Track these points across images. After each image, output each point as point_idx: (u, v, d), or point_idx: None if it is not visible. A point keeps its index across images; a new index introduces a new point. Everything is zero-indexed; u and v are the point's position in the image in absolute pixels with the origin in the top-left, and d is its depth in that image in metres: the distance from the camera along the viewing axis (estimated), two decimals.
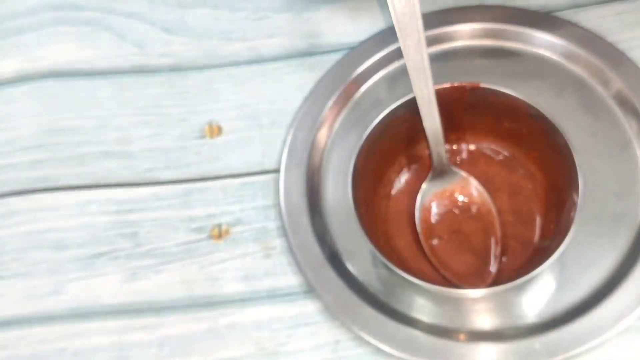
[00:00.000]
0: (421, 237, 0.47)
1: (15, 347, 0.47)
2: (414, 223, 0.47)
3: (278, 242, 0.47)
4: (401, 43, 0.42)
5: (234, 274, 0.47)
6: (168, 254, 0.48)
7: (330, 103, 0.50)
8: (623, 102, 0.48)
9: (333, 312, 0.45)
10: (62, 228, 0.49)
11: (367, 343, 0.44)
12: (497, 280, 0.45)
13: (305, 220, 0.47)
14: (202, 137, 0.51)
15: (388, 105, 0.46)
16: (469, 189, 0.47)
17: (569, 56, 0.49)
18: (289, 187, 0.48)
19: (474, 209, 0.47)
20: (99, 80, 0.53)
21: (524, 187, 0.47)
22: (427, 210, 0.47)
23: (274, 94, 0.51)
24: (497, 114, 0.46)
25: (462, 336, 0.44)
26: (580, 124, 0.48)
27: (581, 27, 0.50)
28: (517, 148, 0.48)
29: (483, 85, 0.45)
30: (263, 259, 0.47)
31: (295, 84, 0.51)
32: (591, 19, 0.50)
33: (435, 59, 0.50)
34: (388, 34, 0.51)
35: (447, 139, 0.46)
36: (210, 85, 0.52)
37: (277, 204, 0.48)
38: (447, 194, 0.48)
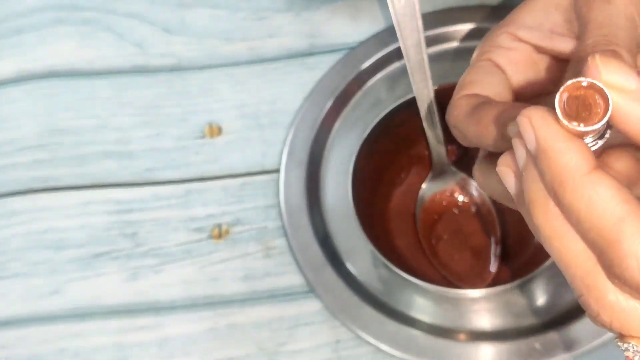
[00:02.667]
0: (421, 237, 0.47)
1: (15, 347, 0.47)
2: (413, 223, 0.47)
3: (278, 242, 0.47)
4: (401, 43, 0.42)
5: (234, 274, 0.47)
6: (168, 254, 0.48)
7: (330, 103, 0.50)
8: None
9: (333, 312, 0.45)
10: (62, 228, 0.49)
11: (367, 343, 0.44)
12: (497, 280, 0.45)
13: (305, 220, 0.47)
14: (202, 137, 0.51)
15: (388, 106, 0.46)
16: (468, 189, 0.47)
17: None
18: (289, 187, 0.48)
19: (473, 209, 0.47)
20: (99, 80, 0.53)
21: None
22: (426, 210, 0.47)
23: (274, 94, 0.51)
24: None
25: (462, 336, 0.44)
26: None
27: None
28: None
29: None
30: (263, 259, 0.47)
31: (295, 84, 0.51)
32: None
33: (435, 59, 0.50)
34: (388, 34, 0.51)
35: (447, 139, 0.46)
36: (210, 85, 0.52)
37: (277, 204, 0.48)
38: (446, 194, 0.48)
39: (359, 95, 0.51)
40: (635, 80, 0.25)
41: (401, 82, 0.50)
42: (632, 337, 0.26)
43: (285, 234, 0.47)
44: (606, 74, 0.24)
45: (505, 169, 0.29)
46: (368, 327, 0.44)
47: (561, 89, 0.25)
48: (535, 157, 0.26)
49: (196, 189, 0.49)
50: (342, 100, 0.50)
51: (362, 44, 0.51)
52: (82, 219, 0.49)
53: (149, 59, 0.53)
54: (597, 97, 0.24)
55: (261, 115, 0.51)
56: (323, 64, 0.51)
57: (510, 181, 0.28)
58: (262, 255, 0.47)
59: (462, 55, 0.51)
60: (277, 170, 0.49)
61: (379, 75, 0.51)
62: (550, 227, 0.26)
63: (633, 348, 0.26)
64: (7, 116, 0.52)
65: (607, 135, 0.26)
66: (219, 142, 0.50)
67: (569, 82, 0.25)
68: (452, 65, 0.51)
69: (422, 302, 0.45)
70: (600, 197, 0.24)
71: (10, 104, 0.53)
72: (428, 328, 0.44)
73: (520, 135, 0.26)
